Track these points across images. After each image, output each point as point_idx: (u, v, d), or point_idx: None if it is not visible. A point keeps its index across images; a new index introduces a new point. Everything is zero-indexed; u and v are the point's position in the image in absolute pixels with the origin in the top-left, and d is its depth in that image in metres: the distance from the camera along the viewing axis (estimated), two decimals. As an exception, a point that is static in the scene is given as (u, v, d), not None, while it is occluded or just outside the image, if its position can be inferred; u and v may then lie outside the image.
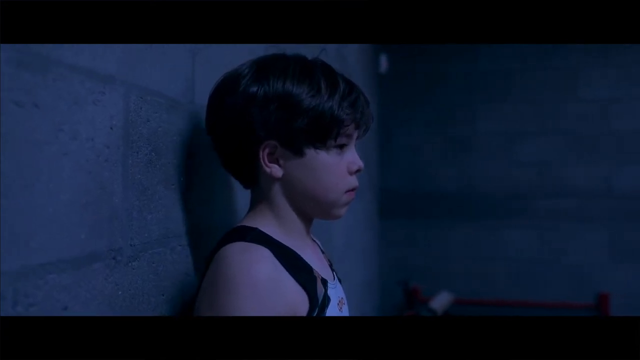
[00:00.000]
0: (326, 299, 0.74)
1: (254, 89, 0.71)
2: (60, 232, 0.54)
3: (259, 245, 0.68)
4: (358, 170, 0.77)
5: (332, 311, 0.75)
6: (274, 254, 0.68)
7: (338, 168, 0.75)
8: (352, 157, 0.77)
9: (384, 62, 3.19)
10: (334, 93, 0.72)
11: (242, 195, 1.01)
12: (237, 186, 0.99)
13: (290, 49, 0.80)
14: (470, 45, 3.20)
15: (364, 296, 2.80)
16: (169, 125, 0.77)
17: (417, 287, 3.17)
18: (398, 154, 3.37)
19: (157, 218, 0.73)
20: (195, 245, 0.84)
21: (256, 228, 0.73)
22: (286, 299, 0.67)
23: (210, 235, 0.89)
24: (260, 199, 0.77)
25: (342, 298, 0.81)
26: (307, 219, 0.79)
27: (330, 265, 0.87)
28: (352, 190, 0.78)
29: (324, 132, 0.72)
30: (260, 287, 0.65)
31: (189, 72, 0.83)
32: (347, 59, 2.30)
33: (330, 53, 0.82)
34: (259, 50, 1.07)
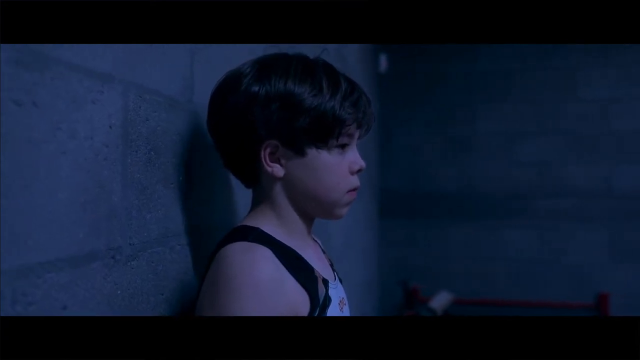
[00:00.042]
0: (327, 299, 0.74)
1: (256, 88, 0.71)
2: (58, 231, 0.54)
3: (260, 245, 0.68)
4: (360, 170, 0.77)
5: (333, 311, 0.75)
6: (275, 254, 0.68)
7: (340, 168, 0.75)
8: (353, 157, 0.76)
9: (383, 62, 3.19)
10: (336, 92, 0.72)
11: (242, 195, 1.01)
12: (236, 185, 0.99)
13: (290, 49, 0.80)
14: (470, 45, 3.20)
15: (363, 296, 2.80)
16: (168, 124, 0.77)
17: (416, 287, 3.17)
18: (398, 154, 3.37)
19: (156, 217, 0.73)
20: (195, 244, 0.84)
21: (258, 228, 0.73)
22: (287, 299, 0.67)
23: (210, 235, 0.89)
24: (261, 198, 0.77)
25: (343, 298, 0.81)
26: (308, 219, 0.79)
27: (331, 265, 0.87)
28: (354, 190, 0.77)
29: (325, 132, 0.72)
30: (261, 287, 0.65)
31: (188, 71, 0.83)
32: (347, 58, 2.30)
33: (330, 53, 0.82)
34: (258, 50, 1.07)
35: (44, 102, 0.52)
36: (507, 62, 3.22)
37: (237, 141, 0.74)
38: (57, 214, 0.53)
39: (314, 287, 0.71)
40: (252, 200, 0.80)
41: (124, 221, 0.65)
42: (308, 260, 0.74)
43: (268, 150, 0.73)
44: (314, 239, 0.86)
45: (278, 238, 0.72)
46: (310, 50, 0.81)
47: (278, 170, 0.73)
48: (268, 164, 0.73)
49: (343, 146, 0.75)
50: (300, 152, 0.72)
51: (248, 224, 0.74)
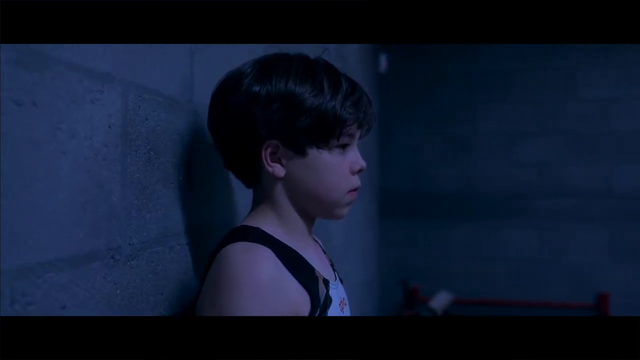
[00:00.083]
0: (328, 300, 0.74)
1: (257, 88, 0.71)
2: (58, 231, 0.54)
3: (261, 245, 0.68)
4: (360, 170, 0.77)
5: (333, 311, 0.75)
6: (276, 254, 0.68)
7: (340, 168, 0.75)
8: (354, 157, 0.76)
9: (383, 62, 3.19)
10: (337, 92, 0.72)
11: (241, 195, 1.01)
12: (236, 185, 0.99)
13: (290, 49, 0.80)
14: (470, 45, 3.20)
15: (363, 296, 2.80)
16: (168, 124, 0.77)
17: (416, 287, 3.17)
18: (398, 154, 3.37)
19: (155, 217, 0.73)
20: (194, 244, 0.84)
21: (258, 228, 0.72)
22: (288, 299, 0.67)
23: (210, 235, 0.89)
24: (262, 198, 0.77)
25: (343, 298, 0.81)
26: (309, 219, 0.79)
27: (332, 266, 0.87)
28: (355, 190, 0.77)
29: (326, 132, 0.72)
30: (262, 287, 0.65)
31: (188, 70, 0.83)
32: (347, 58, 2.30)
33: (330, 53, 0.82)
34: (258, 50, 1.07)
35: (43, 102, 0.52)
36: (507, 62, 3.21)
37: (238, 141, 0.74)
38: (56, 213, 0.53)
39: (315, 288, 0.71)
40: (252, 200, 0.80)
41: (124, 221, 0.65)
42: (309, 261, 0.74)
43: (269, 150, 0.73)
44: (314, 239, 0.86)
45: (279, 238, 0.72)
46: (310, 50, 0.80)
47: (279, 170, 0.73)
48: (269, 164, 0.73)
49: (344, 146, 0.75)
50: (301, 152, 0.72)
51: (249, 224, 0.74)
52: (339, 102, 0.72)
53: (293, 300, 0.68)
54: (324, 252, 0.89)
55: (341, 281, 0.85)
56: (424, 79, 3.33)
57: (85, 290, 0.58)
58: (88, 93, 0.59)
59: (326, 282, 0.75)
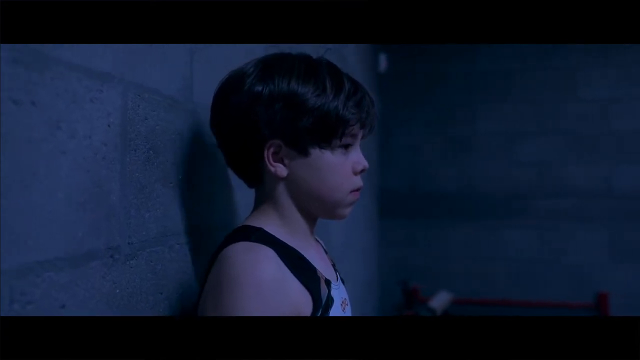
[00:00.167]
0: (330, 300, 0.74)
1: (259, 87, 0.71)
2: (57, 230, 0.54)
3: (263, 246, 0.68)
4: (363, 170, 0.77)
5: (335, 312, 0.75)
6: (278, 254, 0.68)
7: (343, 168, 0.75)
8: (357, 157, 0.76)
9: (383, 62, 3.19)
10: (339, 92, 0.72)
11: (241, 195, 1.01)
12: (236, 185, 0.99)
13: (290, 49, 0.80)
14: (470, 45, 3.20)
15: (363, 296, 2.80)
16: (167, 124, 0.77)
17: (416, 287, 3.17)
18: (398, 154, 3.37)
19: (155, 216, 0.73)
20: (194, 243, 0.84)
21: (261, 228, 0.72)
22: (290, 299, 0.67)
23: (209, 234, 0.89)
24: (264, 198, 0.77)
25: (345, 299, 0.81)
26: (311, 219, 0.79)
27: (334, 266, 0.87)
28: (357, 190, 0.77)
29: (329, 132, 0.72)
30: (264, 287, 0.65)
31: (187, 70, 0.83)
32: (347, 58, 2.30)
33: (332, 52, 0.82)
34: (258, 49, 1.07)
35: (43, 101, 0.52)
36: (507, 62, 3.21)
37: (240, 141, 0.74)
38: (56, 213, 0.53)
39: (317, 288, 0.71)
40: (254, 200, 0.80)
41: (123, 220, 0.65)
42: (310, 261, 0.74)
43: (271, 150, 0.73)
44: (316, 239, 0.86)
45: (281, 238, 0.72)
46: (310, 50, 0.80)
47: (281, 170, 0.73)
48: (271, 164, 0.73)
49: (346, 146, 0.75)
50: (304, 152, 0.72)
51: (251, 224, 0.74)
52: (342, 102, 0.72)
53: (295, 301, 0.67)
54: (326, 252, 0.89)
55: (343, 281, 0.85)
56: (424, 79, 3.33)
57: (85, 289, 0.58)
58: (87, 92, 0.59)
59: (328, 283, 0.75)
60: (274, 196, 0.76)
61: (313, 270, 0.73)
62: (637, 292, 3.01)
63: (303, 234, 0.78)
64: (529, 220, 3.18)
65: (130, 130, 0.67)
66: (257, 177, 0.77)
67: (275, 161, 0.73)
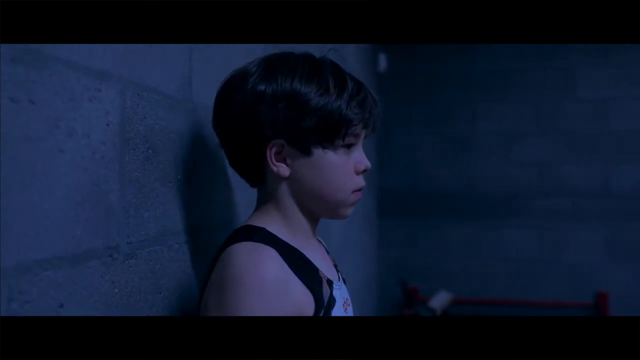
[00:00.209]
0: (332, 300, 0.74)
1: (262, 87, 0.71)
2: (56, 229, 0.53)
3: (266, 246, 0.68)
4: (365, 170, 0.77)
5: (337, 312, 0.75)
6: (280, 254, 0.68)
7: (345, 168, 0.74)
8: (359, 157, 0.76)
9: (383, 62, 3.19)
10: (343, 92, 0.72)
11: (241, 194, 1.01)
12: (236, 184, 0.99)
13: (290, 49, 0.80)
14: (470, 45, 3.20)
15: (363, 296, 2.80)
16: (166, 123, 0.77)
17: (416, 287, 3.17)
18: (397, 154, 3.36)
19: (154, 216, 0.73)
20: (193, 243, 0.84)
21: (263, 228, 0.72)
22: (293, 299, 0.67)
23: (208, 233, 0.89)
24: (267, 198, 0.77)
25: (347, 299, 0.81)
26: (313, 219, 0.79)
27: (335, 266, 0.87)
28: (359, 190, 0.77)
29: (332, 132, 0.72)
30: (267, 287, 0.65)
31: (186, 69, 0.83)
32: (347, 58, 2.30)
33: (335, 52, 0.82)
34: (258, 48, 1.07)
35: (41, 99, 0.52)
36: (506, 62, 3.21)
37: (243, 140, 0.74)
38: (54, 212, 0.53)
39: (319, 288, 0.71)
40: (257, 199, 0.80)
41: (122, 219, 0.65)
42: (313, 261, 0.74)
43: (274, 149, 0.73)
44: (318, 240, 0.86)
45: (283, 238, 0.72)
46: (310, 50, 0.80)
47: (284, 169, 0.73)
48: (274, 164, 0.73)
49: (349, 146, 0.75)
50: (306, 152, 0.72)
51: (253, 224, 0.74)
52: (345, 102, 0.71)
53: (297, 301, 0.67)
54: (327, 253, 0.89)
55: (344, 281, 0.85)
56: (424, 79, 3.33)
57: (83, 288, 0.58)
58: (86, 91, 0.59)
59: (330, 283, 0.75)
60: (276, 196, 0.76)
61: (315, 270, 0.73)
62: (636, 291, 3.01)
63: (305, 234, 0.78)
64: (528, 220, 3.18)
65: (129, 129, 0.67)
66: (259, 177, 0.77)
67: (277, 161, 0.73)
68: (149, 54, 0.72)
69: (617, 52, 3.07)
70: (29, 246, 0.50)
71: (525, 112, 3.19)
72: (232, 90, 0.74)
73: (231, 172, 0.94)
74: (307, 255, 0.74)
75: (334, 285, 0.76)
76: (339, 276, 0.83)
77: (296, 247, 0.73)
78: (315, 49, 0.80)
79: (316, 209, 0.77)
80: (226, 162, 0.82)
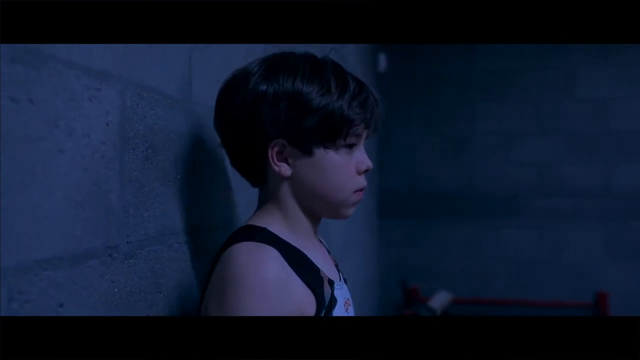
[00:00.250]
0: (333, 300, 0.74)
1: (264, 87, 0.71)
2: (55, 229, 0.53)
3: (267, 245, 0.68)
4: (367, 170, 0.77)
5: (338, 312, 0.75)
6: (281, 254, 0.68)
7: (347, 168, 0.74)
8: (361, 157, 0.76)
9: (382, 62, 3.19)
10: (344, 92, 0.72)
11: (241, 194, 1.01)
12: (235, 184, 0.99)
13: (290, 49, 0.80)
14: (470, 45, 3.20)
15: (363, 296, 2.80)
16: (166, 122, 0.77)
17: (416, 287, 3.17)
18: (397, 154, 3.36)
19: (154, 215, 0.73)
20: (193, 242, 0.84)
21: (264, 228, 0.72)
22: (294, 299, 0.67)
23: (208, 233, 0.89)
24: (268, 197, 0.77)
25: (348, 299, 0.81)
26: (314, 219, 0.79)
27: (336, 266, 0.87)
28: (361, 190, 0.77)
29: (333, 132, 0.72)
30: (268, 287, 0.65)
31: (186, 69, 0.83)
32: (347, 58, 2.30)
33: (336, 52, 0.82)
34: (257, 48, 1.07)
35: (41, 99, 0.52)
36: (506, 61, 3.21)
37: (244, 140, 0.74)
38: (54, 211, 0.53)
39: (320, 288, 0.71)
40: (258, 199, 0.80)
41: (122, 219, 0.65)
42: (314, 261, 0.74)
43: (275, 149, 0.73)
44: (319, 240, 0.86)
45: (284, 238, 0.72)
46: (311, 49, 0.80)
47: (285, 169, 0.73)
48: (275, 163, 0.73)
49: (350, 146, 0.75)
50: (308, 152, 0.72)
51: (254, 224, 0.74)
52: (346, 101, 0.71)
53: (298, 301, 0.67)
54: (329, 252, 0.89)
55: (345, 281, 0.85)
56: (424, 79, 3.33)
57: (83, 288, 0.58)
58: (86, 91, 0.59)
59: (331, 283, 0.75)
60: (277, 196, 0.76)
61: (317, 270, 0.73)
62: (636, 291, 3.01)
63: (306, 234, 0.78)
64: (528, 220, 3.18)
65: (128, 128, 0.67)
66: (260, 177, 0.77)
67: (279, 160, 0.73)
68: (149, 54, 0.72)
69: (617, 52, 3.07)
70: (29, 246, 0.50)
71: (525, 112, 3.19)
72: (234, 90, 0.74)
73: (231, 172, 0.94)
74: (309, 255, 0.74)
75: (335, 285, 0.76)
76: (340, 276, 0.83)
77: (297, 247, 0.73)
78: (315, 49, 0.80)
79: (317, 209, 0.77)
80: (226, 162, 0.82)
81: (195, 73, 0.86)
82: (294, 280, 0.68)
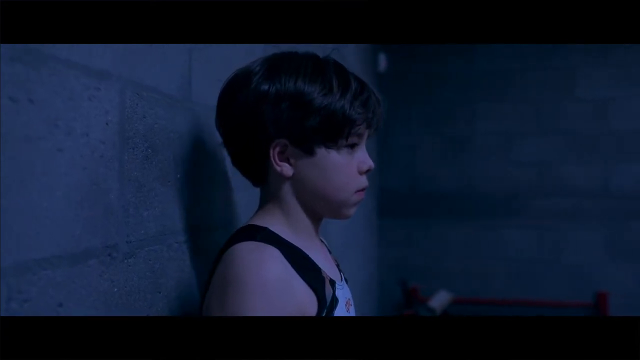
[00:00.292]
0: (334, 300, 0.74)
1: (266, 86, 0.71)
2: (55, 228, 0.53)
3: (268, 245, 0.68)
4: (368, 170, 0.77)
5: (340, 312, 0.75)
6: (283, 254, 0.68)
7: (348, 167, 0.74)
8: (362, 157, 0.76)
9: (382, 61, 3.19)
10: (346, 92, 0.72)
11: (241, 194, 1.01)
12: (235, 184, 0.99)
13: (290, 49, 0.80)
14: (470, 45, 3.20)
15: (363, 296, 2.80)
16: (166, 122, 0.77)
17: (416, 287, 3.17)
18: (397, 154, 3.36)
19: (153, 215, 0.73)
20: (193, 242, 0.84)
21: (266, 228, 0.72)
22: (296, 299, 0.67)
23: (208, 233, 0.89)
24: (269, 197, 0.77)
25: (349, 299, 0.81)
26: (316, 219, 0.79)
27: (338, 266, 0.87)
28: (362, 190, 0.77)
29: (335, 132, 0.72)
30: (269, 287, 0.65)
31: (186, 68, 0.83)
32: (347, 58, 2.30)
33: (338, 52, 0.82)
34: (257, 48, 1.07)
35: (40, 98, 0.52)
36: (506, 61, 3.21)
37: (246, 139, 0.74)
38: (53, 211, 0.53)
39: (322, 288, 0.71)
40: (259, 199, 0.80)
41: (121, 219, 0.65)
42: (315, 261, 0.74)
43: (277, 149, 0.73)
44: (320, 239, 0.86)
45: (286, 238, 0.72)
46: (311, 49, 0.80)
47: (287, 169, 0.73)
48: (277, 163, 0.73)
49: (352, 146, 0.75)
50: (310, 152, 0.72)
51: (256, 223, 0.74)
52: (348, 101, 0.71)
53: (300, 301, 0.67)
54: (330, 252, 0.89)
55: (346, 281, 0.85)
56: (424, 79, 3.33)
57: (82, 287, 0.58)
58: (85, 90, 0.59)
59: (332, 283, 0.75)
60: (279, 195, 0.76)
61: (318, 270, 0.73)
62: (636, 291, 3.01)
63: (308, 233, 0.78)
64: (528, 220, 3.18)
65: (128, 128, 0.67)
66: (262, 176, 0.77)
67: (281, 160, 0.73)
68: (148, 54, 0.72)
69: (617, 52, 3.07)
70: (28, 245, 0.50)
71: (525, 112, 3.19)
72: (236, 90, 0.74)
73: (231, 172, 0.94)
74: (310, 255, 0.74)
75: (336, 285, 0.76)
76: (341, 276, 0.83)
77: (299, 247, 0.73)
78: (315, 49, 0.80)
79: (319, 208, 0.77)
80: (226, 162, 0.82)
81: (195, 73, 0.85)
82: (295, 280, 0.68)
